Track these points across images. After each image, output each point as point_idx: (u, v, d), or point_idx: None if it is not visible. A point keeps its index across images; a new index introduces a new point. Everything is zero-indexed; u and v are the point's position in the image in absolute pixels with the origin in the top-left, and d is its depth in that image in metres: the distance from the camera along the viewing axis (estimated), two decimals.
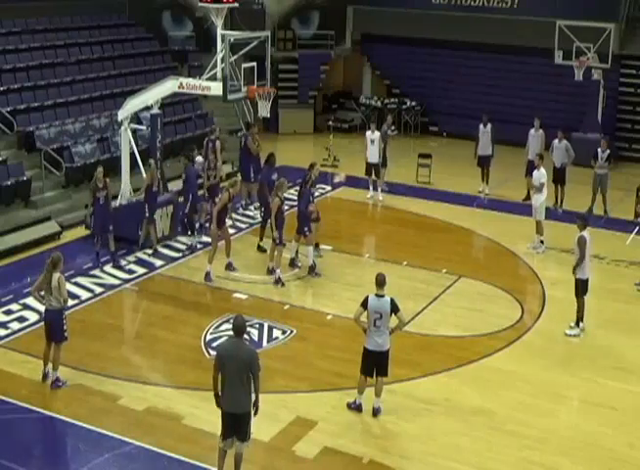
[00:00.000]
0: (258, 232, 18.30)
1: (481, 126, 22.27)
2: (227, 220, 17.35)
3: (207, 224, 18.27)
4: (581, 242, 14.54)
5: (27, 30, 24.48)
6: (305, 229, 16.77)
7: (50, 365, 12.65)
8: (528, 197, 21.73)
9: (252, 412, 10.14)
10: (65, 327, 12.51)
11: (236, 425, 10.11)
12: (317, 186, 18.47)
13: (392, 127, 22.83)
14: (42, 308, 12.96)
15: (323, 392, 12.70)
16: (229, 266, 16.98)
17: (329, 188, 22.50)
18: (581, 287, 14.66)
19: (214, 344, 13.90)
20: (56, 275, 12.29)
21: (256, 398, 10.10)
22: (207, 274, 16.52)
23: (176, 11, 29.04)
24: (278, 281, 16.43)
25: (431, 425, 11.95)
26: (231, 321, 14.53)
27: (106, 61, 25.10)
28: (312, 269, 16.89)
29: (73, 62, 24.23)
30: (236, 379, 9.91)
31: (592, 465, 11.21)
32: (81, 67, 24.26)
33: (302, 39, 30.04)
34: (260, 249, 17.95)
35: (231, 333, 10.41)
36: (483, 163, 22.37)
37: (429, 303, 15.88)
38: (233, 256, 17.04)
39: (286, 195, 17.23)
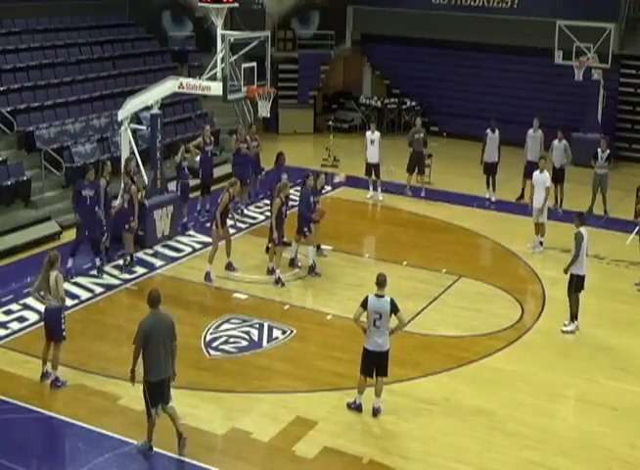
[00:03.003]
0: (265, 233, 18.11)
1: (489, 132, 21.83)
2: (228, 220, 17.35)
3: (209, 224, 18.24)
4: (578, 238, 14.56)
5: (27, 30, 24.46)
6: (305, 229, 16.77)
7: (49, 365, 12.65)
8: (522, 196, 21.72)
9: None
10: (63, 327, 12.50)
11: (164, 391, 10.84)
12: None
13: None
14: (42, 308, 12.94)
15: (323, 392, 12.69)
16: (229, 266, 16.97)
17: (329, 188, 22.47)
18: (577, 283, 14.66)
19: (214, 344, 13.96)
20: (53, 273, 12.29)
21: (173, 363, 10.88)
22: (207, 274, 16.51)
23: (176, 11, 29.02)
24: (278, 281, 16.42)
25: (431, 425, 11.95)
26: (231, 321, 14.75)
27: (106, 61, 25.07)
28: (312, 269, 16.88)
29: (73, 62, 24.20)
30: (162, 348, 10.72)
31: (592, 465, 11.21)
32: (81, 67, 24.23)
33: (302, 39, 30.01)
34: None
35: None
36: (490, 169, 22.01)
37: (429, 303, 15.88)
38: (233, 255, 17.04)
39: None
